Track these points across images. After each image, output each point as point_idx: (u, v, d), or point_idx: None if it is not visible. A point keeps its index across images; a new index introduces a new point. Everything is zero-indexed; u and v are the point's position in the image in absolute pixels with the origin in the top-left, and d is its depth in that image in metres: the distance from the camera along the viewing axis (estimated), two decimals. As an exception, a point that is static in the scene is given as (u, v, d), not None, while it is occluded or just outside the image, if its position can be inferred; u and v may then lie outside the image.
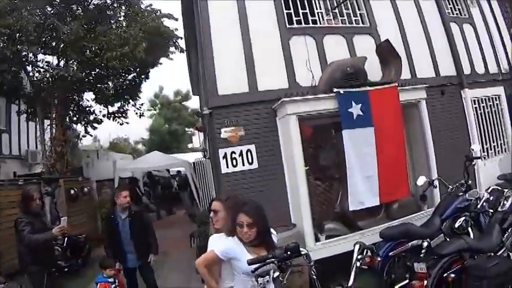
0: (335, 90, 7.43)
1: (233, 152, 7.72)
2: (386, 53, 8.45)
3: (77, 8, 14.81)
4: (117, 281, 6.58)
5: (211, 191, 12.48)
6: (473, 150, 7.89)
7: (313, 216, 7.38)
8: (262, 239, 3.65)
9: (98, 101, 17.47)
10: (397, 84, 7.93)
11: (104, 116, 18.07)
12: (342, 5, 9.04)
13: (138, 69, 17.27)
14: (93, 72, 15.46)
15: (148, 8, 15.93)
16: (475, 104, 10.28)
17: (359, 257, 3.97)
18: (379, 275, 5.87)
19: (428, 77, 9.36)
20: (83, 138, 21.29)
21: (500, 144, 10.69)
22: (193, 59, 13.83)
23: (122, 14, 15.64)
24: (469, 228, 6.63)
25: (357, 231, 7.54)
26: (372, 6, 9.32)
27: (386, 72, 8.45)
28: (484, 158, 9.57)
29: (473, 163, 7.93)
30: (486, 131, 10.43)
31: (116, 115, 18.21)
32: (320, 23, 8.88)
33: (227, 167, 7.70)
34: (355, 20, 9.24)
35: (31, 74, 14.82)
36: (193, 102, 39.15)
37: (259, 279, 3.53)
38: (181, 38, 16.22)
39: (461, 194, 6.86)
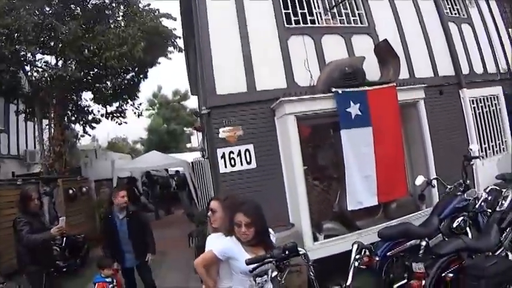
0: (333, 90, 7.42)
1: (231, 152, 7.72)
2: (384, 52, 8.45)
3: (75, 8, 14.75)
4: (115, 280, 6.58)
5: (210, 190, 12.46)
6: (471, 150, 7.90)
7: (312, 216, 7.38)
8: (260, 239, 3.65)
9: (97, 101, 17.42)
10: (395, 84, 7.93)
11: (102, 115, 18.02)
12: (341, 4, 9.04)
13: (136, 69, 17.22)
14: (91, 72, 15.42)
15: (147, 8, 15.86)
16: (473, 103, 10.30)
17: (357, 256, 3.96)
18: (378, 275, 5.88)
19: (426, 77, 9.37)
20: (81, 138, 21.28)
21: (499, 144, 10.70)
22: (192, 58, 13.81)
23: (121, 13, 15.60)
24: (467, 228, 6.63)
25: (355, 231, 7.53)
26: (370, 6, 9.32)
27: (385, 72, 8.46)
28: (482, 157, 9.57)
29: (472, 163, 7.94)
30: (484, 130, 10.44)
31: (115, 115, 18.15)
32: (318, 23, 8.87)
33: (225, 166, 7.70)
34: (353, 19, 9.24)
35: (29, 73, 14.78)
36: (192, 102, 39.23)
37: (257, 278, 3.54)
38: (179, 38, 16.23)
39: (459, 193, 6.86)
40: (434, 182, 7.59)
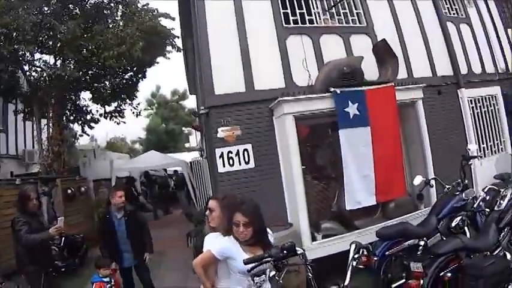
0: (331, 89, 7.42)
1: (230, 152, 7.72)
2: (383, 52, 8.46)
3: (74, 8, 14.75)
4: (113, 280, 6.57)
5: (208, 190, 12.46)
6: (469, 149, 7.92)
7: (310, 216, 7.38)
8: (258, 238, 3.66)
9: (95, 101, 17.42)
10: (393, 84, 7.93)
11: (100, 115, 17.99)
12: (339, 4, 9.04)
13: (135, 69, 17.22)
14: (90, 72, 15.41)
15: (145, 8, 15.89)
16: (471, 103, 10.30)
17: (355, 256, 3.97)
18: (376, 274, 5.91)
19: (425, 77, 9.36)
20: (80, 138, 21.14)
21: (497, 143, 10.71)
22: (190, 58, 13.84)
23: (119, 13, 15.63)
24: (466, 228, 6.65)
25: (353, 230, 7.54)
26: (368, 6, 9.32)
27: (383, 72, 8.47)
28: (481, 157, 9.58)
29: (470, 162, 7.97)
30: (483, 130, 10.43)
31: (113, 114, 18.12)
32: (317, 23, 8.87)
33: (224, 166, 7.70)
34: (352, 19, 9.23)
35: (28, 73, 14.80)
36: (190, 102, 39.15)
37: (255, 278, 3.54)
38: (178, 37, 16.26)
39: (457, 193, 6.88)
40: (433, 182, 7.62)
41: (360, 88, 7.62)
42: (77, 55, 13.74)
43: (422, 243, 5.96)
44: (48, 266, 6.58)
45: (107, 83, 16.70)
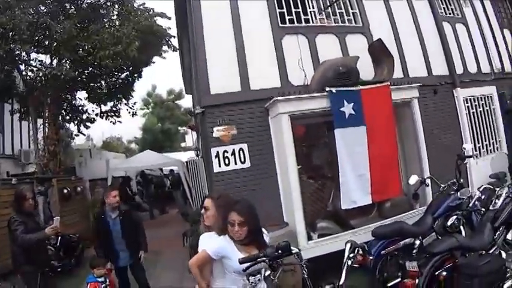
0: (327, 89, 7.44)
1: (225, 151, 7.73)
2: (378, 52, 8.47)
3: (70, 7, 14.71)
4: (108, 280, 6.57)
5: (204, 189, 12.46)
6: (465, 149, 7.92)
7: (306, 215, 7.39)
8: (253, 238, 3.66)
9: (91, 100, 17.39)
10: (389, 83, 7.95)
11: (96, 115, 17.95)
12: (335, 4, 9.05)
13: (131, 68, 17.17)
14: (86, 71, 15.36)
15: (141, 7, 15.89)
16: (467, 103, 10.33)
17: (350, 255, 3.98)
18: (372, 274, 5.90)
19: (420, 76, 9.39)
20: (76, 138, 21.18)
21: (492, 143, 10.73)
22: (186, 58, 13.81)
23: (115, 12, 15.56)
24: (461, 227, 6.68)
25: (349, 229, 7.56)
26: (364, 6, 9.34)
27: (379, 72, 8.47)
28: (476, 156, 9.62)
29: (465, 162, 8.00)
30: (478, 130, 10.47)
31: (109, 114, 18.11)
32: (313, 22, 8.89)
33: (219, 166, 7.71)
34: (347, 19, 9.26)
35: (24, 73, 14.76)
36: (186, 101, 39.21)
37: (250, 278, 3.55)
38: (174, 37, 16.24)
39: (453, 192, 6.90)
40: (428, 181, 7.63)
41: (355, 88, 7.63)
42: (73, 55, 13.68)
43: (417, 242, 5.97)
44: (44, 266, 6.57)
45: (103, 82, 16.69)
